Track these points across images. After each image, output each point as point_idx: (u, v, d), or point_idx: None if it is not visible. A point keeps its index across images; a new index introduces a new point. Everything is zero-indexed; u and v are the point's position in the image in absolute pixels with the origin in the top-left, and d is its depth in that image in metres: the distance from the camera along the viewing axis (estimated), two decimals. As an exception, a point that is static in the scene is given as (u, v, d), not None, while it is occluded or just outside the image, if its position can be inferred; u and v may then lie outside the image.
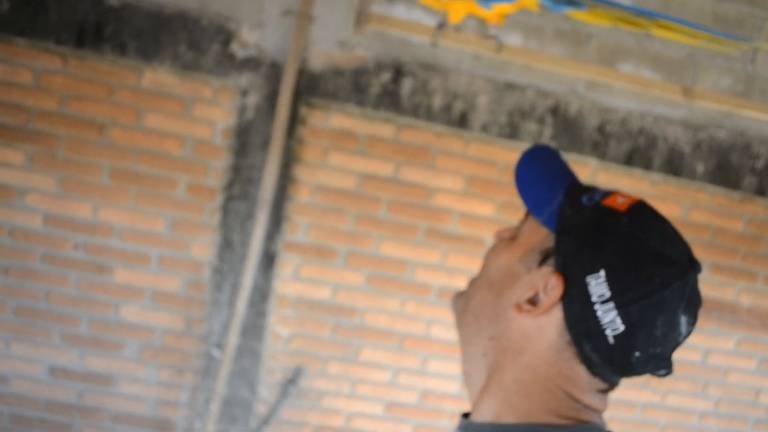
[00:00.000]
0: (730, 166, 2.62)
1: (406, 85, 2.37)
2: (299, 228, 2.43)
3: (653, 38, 2.51)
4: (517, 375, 0.68)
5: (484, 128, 2.45)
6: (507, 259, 0.71)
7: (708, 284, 2.72)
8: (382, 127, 2.40)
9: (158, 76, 2.25)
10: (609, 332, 0.63)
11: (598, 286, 0.63)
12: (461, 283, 2.55)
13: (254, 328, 2.44)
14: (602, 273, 0.63)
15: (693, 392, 2.80)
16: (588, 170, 2.57)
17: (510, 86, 2.45)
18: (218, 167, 2.33)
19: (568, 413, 0.66)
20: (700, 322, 2.89)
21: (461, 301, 0.75)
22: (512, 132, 2.47)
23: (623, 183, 2.58)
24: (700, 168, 2.60)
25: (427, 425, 2.62)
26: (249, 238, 2.36)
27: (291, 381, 2.47)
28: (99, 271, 2.35)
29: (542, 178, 0.74)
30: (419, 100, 2.39)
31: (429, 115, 2.41)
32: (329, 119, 2.37)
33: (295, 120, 2.32)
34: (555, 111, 2.50)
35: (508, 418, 0.68)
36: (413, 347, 2.57)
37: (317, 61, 2.30)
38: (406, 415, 2.60)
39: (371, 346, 2.54)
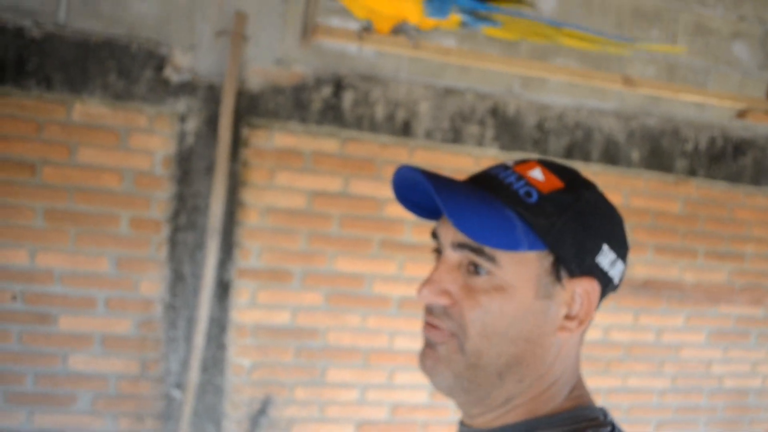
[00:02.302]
0: (663, 151, 2.74)
1: (348, 98, 2.35)
2: (252, 253, 2.35)
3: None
4: (549, 383, 0.68)
5: (428, 135, 2.46)
6: (519, 308, 0.65)
7: (654, 265, 2.82)
8: (326, 142, 2.37)
9: (89, 108, 2.14)
10: (617, 279, 0.69)
11: (606, 257, 0.67)
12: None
13: (215, 362, 2.34)
14: (605, 247, 0.67)
15: (651, 372, 2.89)
16: (531, 167, 2.62)
17: (449, 91, 2.47)
18: (161, 198, 2.24)
19: (574, 392, 0.70)
20: (651, 303, 3.00)
21: (456, 369, 0.68)
22: (455, 136, 2.49)
23: (565, 176, 2.64)
24: (635, 155, 2.71)
25: (400, 439, 2.58)
26: (201, 268, 2.27)
27: (261, 411, 2.38)
28: (41, 320, 2.19)
29: (476, 206, 0.65)
30: (362, 111, 2.38)
31: (373, 126, 2.40)
32: (272, 139, 2.32)
33: (237, 142, 2.26)
34: (494, 112, 2.54)
35: (539, 413, 0.68)
36: (378, 361, 2.54)
37: (255, 81, 2.25)
38: (378, 432, 2.56)
39: (336, 365, 2.48)
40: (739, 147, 2.89)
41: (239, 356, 2.37)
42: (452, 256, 0.67)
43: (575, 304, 0.67)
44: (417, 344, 2.56)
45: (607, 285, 0.68)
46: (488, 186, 0.67)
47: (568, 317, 0.67)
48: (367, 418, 2.54)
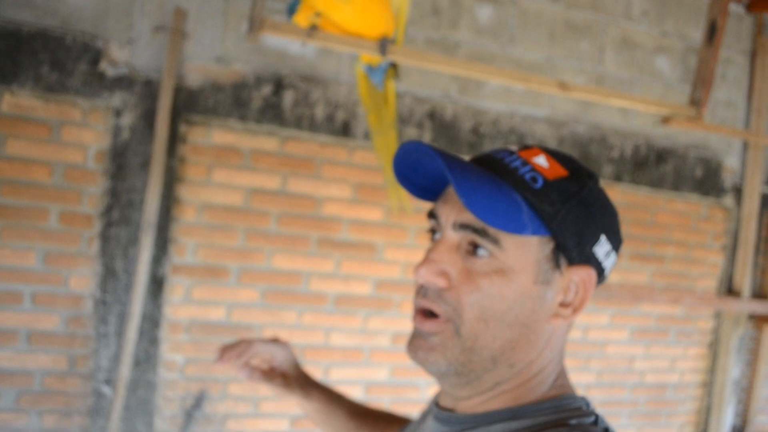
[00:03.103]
0: (591, 157, 2.86)
1: (288, 98, 2.37)
2: (187, 249, 2.34)
3: (515, 44, 2.70)
4: (537, 370, 0.69)
5: (367, 136, 2.50)
6: (518, 292, 0.65)
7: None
8: (266, 141, 2.38)
9: (19, 100, 2.08)
10: (608, 271, 0.70)
11: (602, 248, 0.68)
12: (356, 289, 2.60)
13: (147, 358, 2.32)
14: (603, 237, 0.67)
15: (578, 367, 3.02)
16: (466, 170, 2.69)
17: (388, 93, 2.52)
18: (94, 193, 2.20)
19: (558, 381, 0.70)
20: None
21: (451, 355, 0.67)
22: (394, 138, 2.54)
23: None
24: (564, 161, 2.82)
25: (334, 434, 2.62)
26: (133, 264, 2.24)
27: (195, 406, 2.37)
28: (-36, 316, 2.13)
29: (486, 187, 0.64)
30: (302, 111, 2.40)
31: (312, 126, 2.42)
32: (211, 136, 2.31)
33: (175, 138, 2.24)
34: (432, 115, 2.60)
35: (524, 400, 0.69)
36: (314, 357, 2.57)
37: (195, 77, 2.24)
38: (312, 427, 2.59)
39: (271, 362, 2.50)
40: (661, 155, 3.05)
41: (172, 352, 2.36)
42: (452, 236, 0.66)
43: (570, 292, 0.67)
44: (352, 341, 2.61)
45: (600, 275, 0.68)
46: (494, 169, 0.67)
47: (562, 304, 0.67)
48: (302, 414, 2.57)
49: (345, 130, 2.47)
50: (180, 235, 2.32)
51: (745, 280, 3.32)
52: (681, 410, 3.33)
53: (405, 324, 2.68)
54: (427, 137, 2.59)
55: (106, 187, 2.21)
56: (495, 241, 0.64)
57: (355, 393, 2.63)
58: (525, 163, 0.66)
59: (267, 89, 2.34)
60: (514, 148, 0.70)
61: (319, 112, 2.43)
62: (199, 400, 2.40)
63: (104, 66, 2.12)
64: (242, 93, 2.31)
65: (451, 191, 0.69)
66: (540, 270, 0.65)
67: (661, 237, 3.13)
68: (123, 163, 2.20)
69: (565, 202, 0.64)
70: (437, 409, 0.74)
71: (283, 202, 2.44)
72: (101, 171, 2.19)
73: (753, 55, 3.25)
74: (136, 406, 2.32)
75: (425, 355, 0.67)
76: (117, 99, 2.16)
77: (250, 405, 2.49)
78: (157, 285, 2.30)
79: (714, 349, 3.37)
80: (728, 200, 3.26)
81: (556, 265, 0.66)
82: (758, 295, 3.45)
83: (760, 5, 3.15)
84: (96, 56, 2.12)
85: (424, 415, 0.82)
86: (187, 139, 2.28)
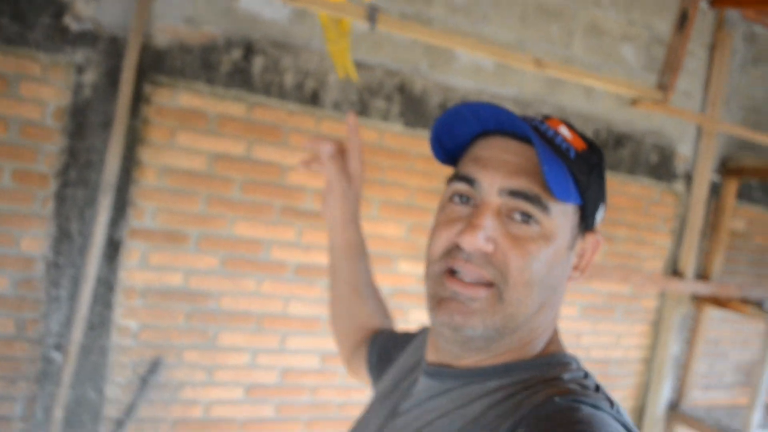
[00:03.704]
0: (554, 139, 2.91)
1: (258, 63, 2.31)
2: (146, 213, 2.28)
3: (488, 23, 2.69)
4: (542, 329, 0.72)
5: (336, 106, 2.47)
6: (557, 257, 0.68)
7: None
8: (233, 106, 2.32)
9: (-28, 49, 1.97)
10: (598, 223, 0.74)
11: (600, 215, 0.73)
12: (317, 259, 2.59)
13: (100, 323, 2.27)
14: (602, 205, 0.73)
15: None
16: (433, 145, 2.70)
17: (360, 65, 2.48)
18: (50, 151, 2.11)
19: (553, 338, 0.73)
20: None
21: (491, 321, 0.67)
22: (363, 109, 2.52)
23: (464, 157, 2.75)
24: (528, 141, 2.85)
25: (289, 403, 2.63)
26: (89, 226, 2.17)
27: (150, 372, 2.34)
28: None
29: (552, 158, 0.65)
30: (271, 78, 2.35)
31: (281, 94, 2.38)
32: (176, 98, 2.24)
33: (139, 99, 2.16)
34: (402, 89, 2.58)
35: (523, 357, 0.71)
36: (271, 326, 2.56)
37: (162, 37, 2.15)
38: (267, 396, 2.60)
39: (228, 329, 2.48)
40: (620, 140, 3.12)
41: (127, 318, 2.31)
42: (495, 201, 0.66)
43: (582, 257, 0.72)
44: (311, 310, 2.61)
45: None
46: (538, 135, 0.68)
47: (575, 267, 0.72)
48: (257, 382, 2.57)
49: (314, 99, 2.43)
50: (139, 198, 2.26)
51: (689, 263, 3.47)
52: (622, 384, 3.48)
53: (364, 296, 2.69)
54: (395, 111, 2.58)
55: (64, 145, 2.12)
56: (546, 209, 0.66)
57: (310, 363, 2.65)
58: (556, 133, 0.69)
59: (237, 53, 2.27)
60: (538, 116, 0.72)
61: (289, 79, 2.38)
62: (153, 367, 2.37)
63: (68, 20, 2.02)
64: (211, 56, 2.24)
65: (490, 155, 0.68)
66: (571, 236, 0.69)
67: (615, 218, 3.23)
68: (83, 121, 2.12)
69: (590, 173, 0.69)
70: (426, 364, 0.75)
71: (247, 169, 2.40)
72: (59, 129, 2.10)
73: (712, 49, 3.33)
74: (86, 373, 2.27)
75: (464, 319, 0.66)
76: (80, 55, 2.06)
77: (205, 373, 2.47)
78: (113, 248, 2.24)
79: (657, 327, 3.52)
80: (679, 186, 3.37)
81: (580, 231, 0.70)
82: (701, 276, 3.61)
83: (723, 1, 3.22)
84: (60, 10, 2.01)
85: (411, 370, 0.83)
86: (152, 101, 2.20)
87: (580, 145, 0.69)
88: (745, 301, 3.56)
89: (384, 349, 0.99)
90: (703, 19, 3.28)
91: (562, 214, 0.67)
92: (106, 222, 2.17)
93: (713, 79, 3.34)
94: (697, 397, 3.86)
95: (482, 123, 0.69)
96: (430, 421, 0.70)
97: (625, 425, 0.61)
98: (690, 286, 3.45)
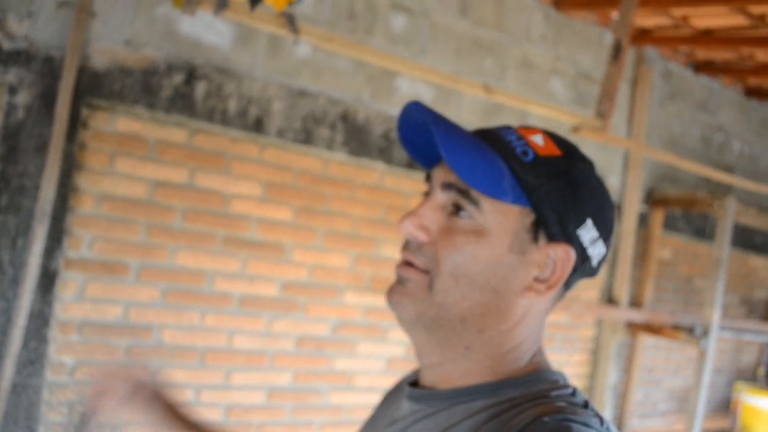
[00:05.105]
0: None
1: (200, 89, 2.30)
2: (83, 242, 2.19)
3: (426, 54, 2.79)
4: (513, 344, 0.70)
5: (280, 134, 2.48)
6: (492, 256, 0.67)
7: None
8: (174, 132, 2.30)
9: None
10: (596, 261, 0.71)
11: (588, 233, 0.68)
12: (263, 290, 2.54)
13: (33, 360, 2.13)
14: (589, 222, 0.68)
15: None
16: (376, 174, 2.73)
17: (303, 93, 2.51)
18: (-20, 176, 2.01)
19: (536, 358, 0.72)
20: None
21: (421, 307, 0.68)
22: (307, 138, 2.54)
23: (407, 186, 2.80)
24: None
25: (233, 442, 2.52)
26: (23, 256, 2.07)
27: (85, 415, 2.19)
28: None
29: (471, 150, 0.66)
30: (214, 104, 2.34)
31: (224, 120, 2.37)
32: (115, 122, 2.20)
33: (75, 122, 2.11)
34: (345, 118, 2.62)
35: (502, 375, 0.70)
36: (215, 361, 2.47)
37: (101, 59, 2.12)
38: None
39: (171, 365, 2.38)
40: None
41: (62, 354, 2.19)
42: (439, 197, 0.69)
43: (547, 268, 0.68)
44: (257, 344, 2.54)
45: (584, 262, 0.69)
46: (487, 138, 0.69)
47: (537, 279, 0.68)
48: (200, 421, 2.45)
49: (257, 127, 2.43)
50: (76, 226, 2.17)
51: (623, 291, 3.58)
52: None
53: (310, 327, 2.65)
54: (338, 140, 2.61)
55: (-5, 170, 2.03)
56: (475, 203, 0.66)
57: (256, 399, 2.56)
58: (520, 137, 0.69)
59: (178, 78, 2.26)
60: (515, 125, 0.73)
61: (232, 106, 2.38)
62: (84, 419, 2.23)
63: None
64: (152, 80, 2.22)
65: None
66: (516, 239, 0.67)
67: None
68: (15, 145, 2.04)
69: (552, 179, 0.67)
70: (410, 388, 0.75)
71: (189, 197, 2.35)
72: (-10, 153, 2.01)
73: (634, 84, 3.56)
74: (17, 413, 2.12)
75: (399, 298, 0.69)
76: (12, 75, 2.00)
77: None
78: (48, 280, 2.13)
79: (595, 355, 3.59)
80: (610, 216, 3.51)
81: (534, 238, 0.67)
82: (634, 304, 3.74)
83: (641, 39, 3.46)
84: (-8, 27, 1.96)
85: (393, 396, 0.81)
86: (89, 124, 2.15)
87: (549, 151, 0.68)
88: (677, 328, 3.70)
89: None
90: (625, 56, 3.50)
91: (499, 213, 0.67)
92: (41, 252, 2.07)
93: (636, 113, 3.55)
94: (635, 426, 3.93)
95: (417, 127, 0.72)
96: None
97: None
98: (625, 314, 3.55)
